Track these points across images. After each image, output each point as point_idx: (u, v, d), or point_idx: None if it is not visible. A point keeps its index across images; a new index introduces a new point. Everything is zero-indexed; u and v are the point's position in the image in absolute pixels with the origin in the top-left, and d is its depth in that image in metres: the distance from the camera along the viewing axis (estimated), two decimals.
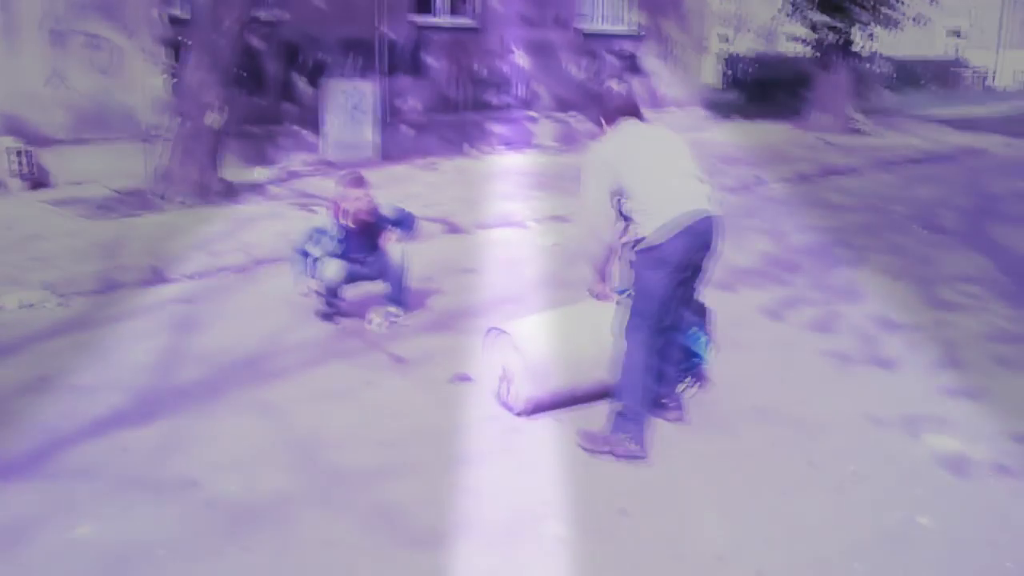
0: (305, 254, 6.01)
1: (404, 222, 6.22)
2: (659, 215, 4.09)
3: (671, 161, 4.28)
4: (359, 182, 5.87)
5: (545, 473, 4.05)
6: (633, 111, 4.49)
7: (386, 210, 6.10)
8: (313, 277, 5.98)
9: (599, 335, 4.54)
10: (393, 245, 6.09)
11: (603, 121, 4.49)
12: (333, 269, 5.93)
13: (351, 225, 5.93)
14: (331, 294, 6.08)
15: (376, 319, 6.11)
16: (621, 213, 4.24)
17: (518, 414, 4.62)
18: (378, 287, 6.23)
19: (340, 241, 5.96)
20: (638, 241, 4.16)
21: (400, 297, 6.21)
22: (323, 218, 6.01)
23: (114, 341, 5.81)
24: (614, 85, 5.02)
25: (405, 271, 6.15)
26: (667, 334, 4.33)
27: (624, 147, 4.31)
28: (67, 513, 3.65)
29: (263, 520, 3.63)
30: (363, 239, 6.01)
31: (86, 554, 3.38)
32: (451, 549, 3.43)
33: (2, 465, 4.07)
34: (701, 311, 4.89)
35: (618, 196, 4.20)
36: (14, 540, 3.46)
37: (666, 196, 4.13)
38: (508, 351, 4.63)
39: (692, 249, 4.13)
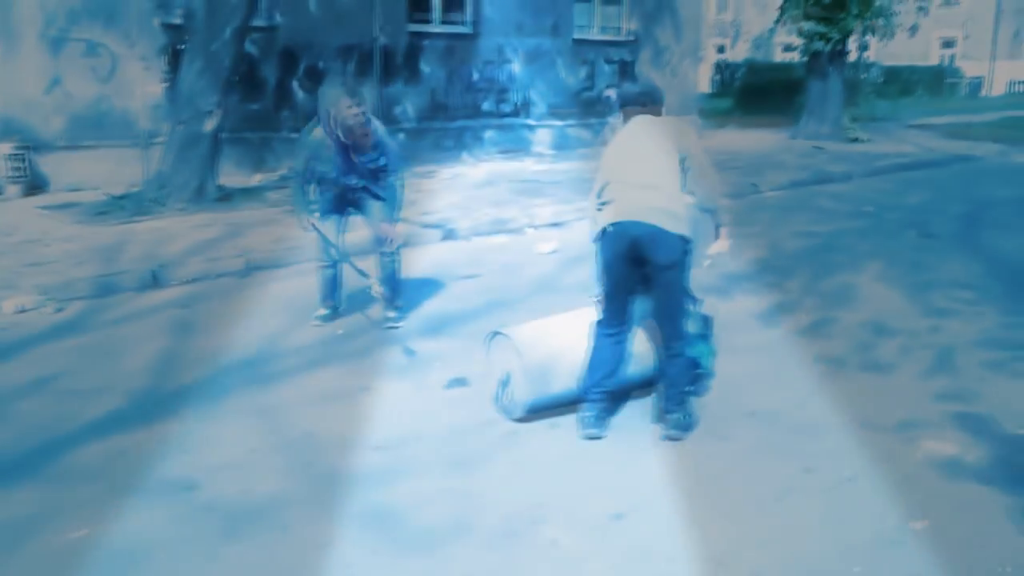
0: (304, 180, 5.97)
1: (391, 153, 5.97)
2: (600, 215, 4.37)
3: (632, 165, 4.36)
4: (352, 92, 5.68)
5: (541, 477, 4.07)
6: (644, 107, 4.58)
7: (378, 128, 5.88)
8: (312, 212, 5.98)
9: None
10: (385, 251, 6.10)
11: (622, 116, 4.67)
12: (326, 190, 5.98)
13: (343, 139, 5.69)
14: (329, 244, 6.08)
15: (378, 288, 6.18)
16: None
17: (516, 419, 4.64)
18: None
19: (334, 156, 5.78)
20: None
21: (394, 296, 6.24)
22: (315, 133, 5.82)
23: (112, 345, 5.83)
24: (634, 81, 5.09)
25: (398, 267, 6.20)
26: (621, 330, 4.54)
27: (611, 145, 4.53)
28: (65, 516, 3.66)
29: (261, 523, 3.64)
30: (355, 158, 5.81)
31: (84, 557, 3.38)
32: (447, 552, 3.45)
33: (1, 468, 4.09)
34: (703, 322, 4.91)
35: None
36: (12, 543, 3.48)
37: (609, 198, 4.33)
38: (508, 354, 4.65)
39: (614, 254, 4.33)
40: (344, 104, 5.56)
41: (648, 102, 4.64)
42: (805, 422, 4.65)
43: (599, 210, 4.39)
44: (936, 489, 3.95)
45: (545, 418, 4.64)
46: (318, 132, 5.78)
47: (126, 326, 6.25)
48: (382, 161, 5.90)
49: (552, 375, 4.59)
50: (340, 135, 5.65)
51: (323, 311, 6.26)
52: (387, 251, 6.13)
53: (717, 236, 4.62)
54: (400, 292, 6.31)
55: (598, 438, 4.45)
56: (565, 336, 4.71)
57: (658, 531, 3.60)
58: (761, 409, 4.80)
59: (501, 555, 3.44)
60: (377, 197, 6.01)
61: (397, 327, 6.17)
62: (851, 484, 4.00)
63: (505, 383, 4.69)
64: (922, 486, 3.97)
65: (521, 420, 4.62)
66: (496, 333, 4.81)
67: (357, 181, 5.93)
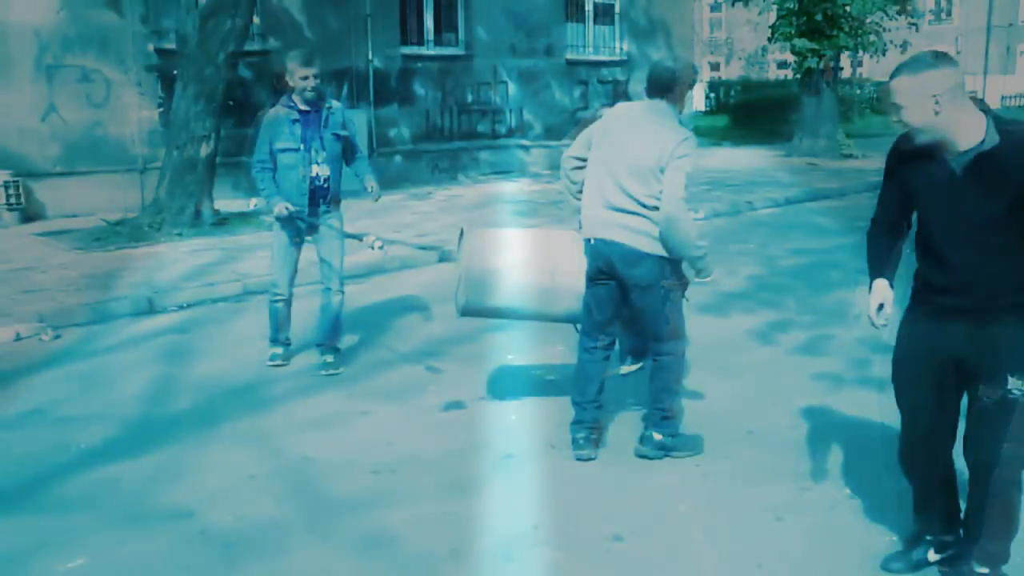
0: (268, 167, 5.57)
1: (352, 126, 5.81)
2: (583, 220, 4.38)
3: (617, 170, 4.19)
4: (307, 61, 5.48)
5: (539, 499, 4.05)
6: (657, 91, 4.31)
7: (336, 106, 5.72)
8: (277, 195, 5.53)
9: (557, 268, 4.59)
10: (330, 287, 5.72)
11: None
12: (292, 179, 5.54)
13: (302, 107, 5.53)
14: (300, 211, 5.58)
15: (376, 241, 5.71)
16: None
17: (460, 315, 4.77)
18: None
19: (295, 124, 5.51)
20: None
21: (335, 338, 5.82)
22: (273, 112, 5.62)
23: (108, 372, 5.82)
24: (670, 58, 4.80)
25: (342, 305, 5.80)
26: (606, 344, 4.52)
27: (607, 127, 4.37)
28: (60, 546, 3.63)
29: (256, 550, 3.62)
30: (318, 128, 5.56)
31: None
32: None
33: None
34: None
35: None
36: (7, 575, 3.45)
37: (589, 214, 4.32)
38: (463, 254, 4.70)
39: (595, 270, 4.34)
40: (298, 73, 5.45)
41: (661, 89, 4.31)
42: (803, 440, 4.63)
43: (583, 207, 4.38)
44: None
45: (542, 439, 4.63)
46: (276, 110, 5.60)
47: (122, 353, 6.24)
48: (343, 132, 5.69)
49: (493, 287, 4.60)
50: (296, 103, 5.53)
51: (277, 350, 5.88)
52: (333, 288, 5.73)
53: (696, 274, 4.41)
54: (341, 334, 5.90)
55: (591, 459, 4.43)
56: (524, 252, 4.71)
57: (657, 553, 3.58)
58: (759, 428, 4.79)
59: None
60: (335, 201, 5.72)
61: (337, 373, 5.69)
62: (850, 502, 3.98)
63: (459, 280, 4.73)
64: None
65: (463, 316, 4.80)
66: (463, 230, 4.85)
67: (323, 161, 5.57)
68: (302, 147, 5.52)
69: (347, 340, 6.20)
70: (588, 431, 4.47)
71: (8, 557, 3.57)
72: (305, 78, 5.44)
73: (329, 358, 5.75)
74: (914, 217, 3.23)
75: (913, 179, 3.13)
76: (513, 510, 3.95)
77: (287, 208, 5.50)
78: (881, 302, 3.27)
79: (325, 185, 5.64)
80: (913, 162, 3.10)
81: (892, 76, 2.96)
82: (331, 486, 4.18)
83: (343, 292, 5.79)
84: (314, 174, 5.58)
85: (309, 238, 5.78)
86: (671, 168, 4.11)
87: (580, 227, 4.48)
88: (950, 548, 3.38)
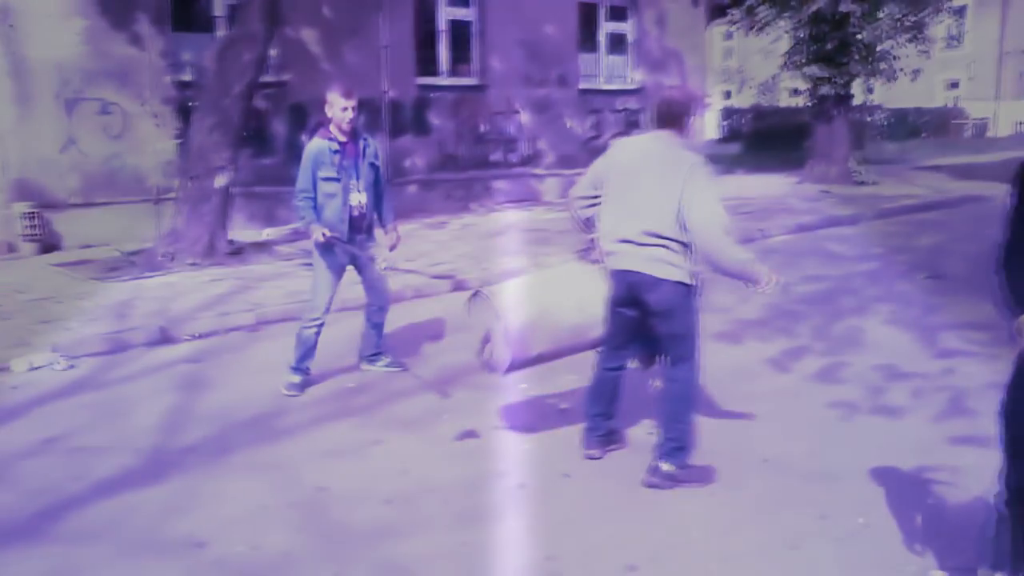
0: (309, 197, 5.84)
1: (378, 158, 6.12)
2: (606, 253, 4.47)
3: (632, 201, 4.30)
4: (348, 93, 5.73)
5: (553, 529, 4.04)
6: (664, 122, 4.40)
7: (371, 141, 6.08)
8: (319, 221, 5.80)
9: (582, 303, 4.67)
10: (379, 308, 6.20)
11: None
12: (333, 207, 5.85)
13: (342, 138, 5.80)
14: (339, 236, 5.87)
15: (383, 262, 6.15)
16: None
17: (503, 374, 4.80)
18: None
19: (335, 154, 5.79)
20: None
21: (380, 340, 6.32)
22: (316, 143, 5.86)
23: (122, 402, 5.85)
24: (674, 88, 4.89)
25: (387, 303, 6.30)
26: (621, 364, 4.70)
27: (617, 162, 4.46)
28: None
29: None
30: (355, 158, 5.88)
31: None
32: None
33: (9, 528, 4.08)
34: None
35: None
36: None
37: (610, 248, 4.41)
38: (491, 316, 4.68)
39: (615, 298, 4.48)
40: (339, 104, 5.73)
41: (669, 120, 4.40)
42: (818, 469, 4.60)
43: (603, 239, 4.48)
44: (954, 536, 3.89)
45: (557, 470, 4.62)
46: (317, 141, 5.86)
47: (137, 382, 6.27)
48: (377, 162, 6.07)
49: (532, 339, 4.64)
50: (336, 135, 5.80)
51: (296, 379, 5.96)
52: (382, 307, 6.25)
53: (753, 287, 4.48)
54: (382, 332, 6.38)
55: (598, 458, 4.68)
56: (547, 297, 4.77)
57: None
58: (774, 456, 4.76)
59: None
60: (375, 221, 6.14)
61: (406, 367, 6.32)
62: (866, 531, 3.95)
63: (486, 340, 4.72)
64: (939, 533, 3.92)
65: (505, 374, 4.81)
66: (477, 293, 4.86)
67: (361, 189, 5.93)
68: (343, 176, 5.83)
69: (363, 372, 6.25)
70: (599, 437, 4.74)
71: None
72: (345, 109, 5.73)
73: (390, 358, 6.36)
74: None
75: None
76: (527, 540, 3.93)
77: (325, 234, 5.76)
78: None
79: (363, 212, 5.97)
80: None
81: None
82: (345, 516, 4.18)
83: (387, 309, 6.30)
84: (354, 202, 5.91)
85: (351, 266, 6.07)
86: (689, 192, 4.18)
87: (585, 252, 4.69)
88: None
